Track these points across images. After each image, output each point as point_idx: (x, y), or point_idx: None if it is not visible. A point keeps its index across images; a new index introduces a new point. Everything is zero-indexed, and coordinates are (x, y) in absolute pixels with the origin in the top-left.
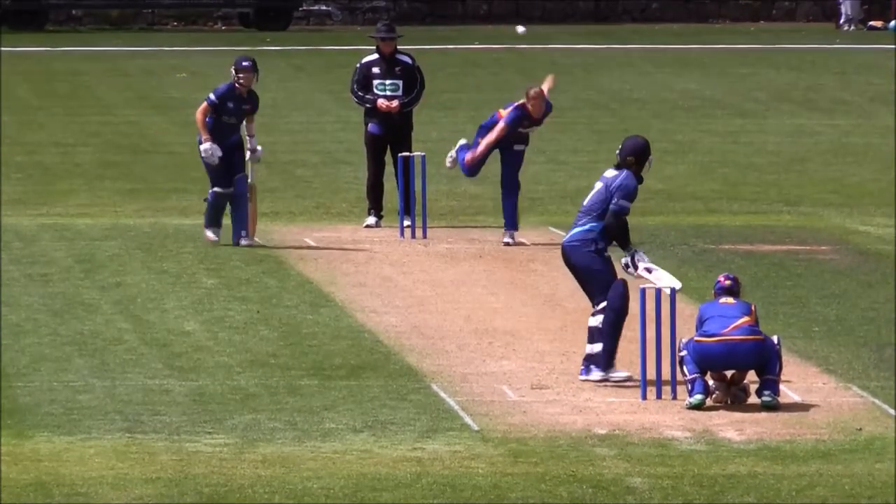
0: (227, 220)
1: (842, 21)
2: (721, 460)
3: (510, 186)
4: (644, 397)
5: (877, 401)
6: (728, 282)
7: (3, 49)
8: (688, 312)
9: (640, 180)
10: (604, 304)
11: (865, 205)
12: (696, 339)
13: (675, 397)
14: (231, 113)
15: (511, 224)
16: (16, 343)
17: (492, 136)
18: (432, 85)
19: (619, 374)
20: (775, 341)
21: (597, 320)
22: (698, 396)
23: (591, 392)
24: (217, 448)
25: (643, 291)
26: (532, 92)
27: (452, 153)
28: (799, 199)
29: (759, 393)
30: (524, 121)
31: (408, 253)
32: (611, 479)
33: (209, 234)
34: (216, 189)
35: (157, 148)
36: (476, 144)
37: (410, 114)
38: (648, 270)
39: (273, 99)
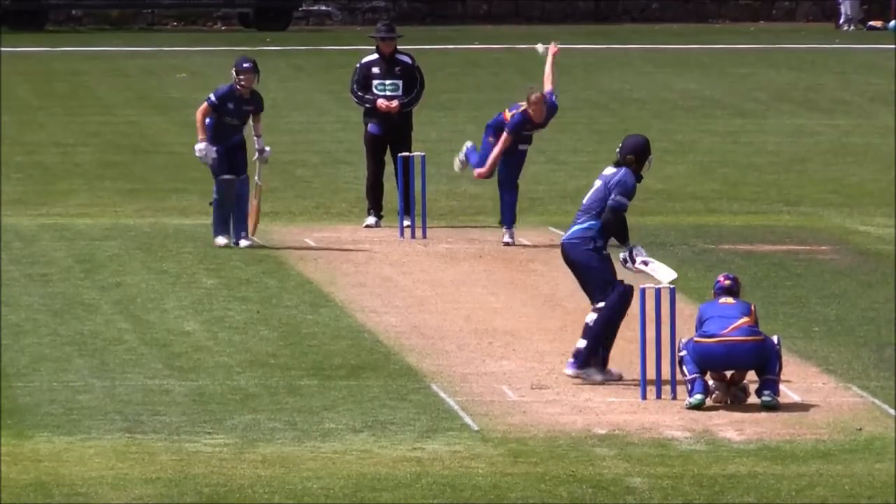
0: None
1: (841, 21)
2: (721, 460)
3: (509, 185)
4: (644, 397)
5: (877, 401)
6: (728, 282)
7: (3, 49)
8: (687, 312)
9: (639, 179)
10: (602, 303)
11: (865, 205)
12: (696, 339)
13: (674, 397)
14: (232, 114)
15: (509, 219)
16: (16, 343)
17: (497, 149)
18: (432, 85)
19: (595, 375)
20: (775, 341)
21: (592, 317)
22: (698, 396)
23: (591, 392)
24: (217, 448)
25: (643, 291)
26: (532, 97)
27: (461, 156)
28: (799, 199)
29: (758, 393)
30: (526, 125)
31: (408, 253)
32: (611, 479)
33: (220, 240)
34: (223, 177)
35: (157, 148)
36: (485, 145)
37: (410, 114)
38: (645, 263)
39: (273, 99)
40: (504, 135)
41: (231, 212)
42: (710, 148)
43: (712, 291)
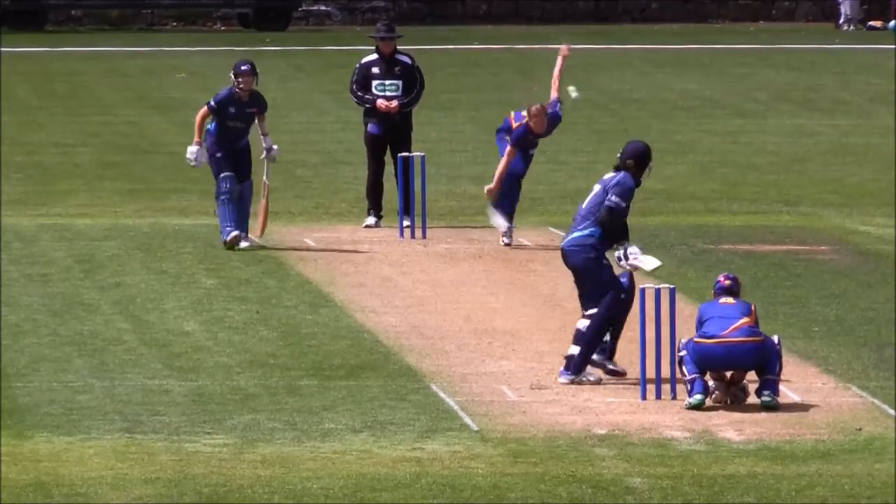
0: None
1: (841, 21)
2: (721, 460)
3: (511, 185)
4: (644, 397)
5: (876, 401)
6: (728, 282)
7: (3, 49)
8: (687, 312)
9: (637, 183)
10: (594, 310)
11: (865, 205)
12: (696, 339)
13: (674, 397)
14: (234, 117)
15: (507, 208)
16: (15, 343)
17: (502, 165)
18: (432, 85)
19: (590, 376)
20: (775, 341)
21: (583, 324)
22: (698, 396)
23: (591, 392)
24: (216, 448)
25: (643, 291)
26: (532, 110)
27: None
28: (799, 199)
29: (758, 393)
30: (528, 136)
31: (407, 253)
32: (610, 480)
33: (230, 233)
34: (224, 174)
35: (156, 148)
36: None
37: (410, 114)
38: (635, 257)
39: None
40: (508, 148)
41: (235, 203)
42: (709, 148)
43: (712, 291)
